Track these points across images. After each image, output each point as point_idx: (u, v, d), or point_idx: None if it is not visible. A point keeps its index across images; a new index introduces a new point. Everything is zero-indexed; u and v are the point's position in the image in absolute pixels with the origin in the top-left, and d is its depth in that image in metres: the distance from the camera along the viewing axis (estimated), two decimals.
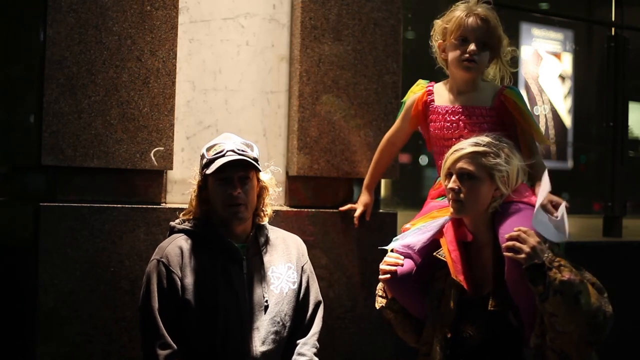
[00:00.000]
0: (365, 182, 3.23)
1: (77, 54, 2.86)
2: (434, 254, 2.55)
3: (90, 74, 2.88)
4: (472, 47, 2.64)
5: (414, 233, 2.63)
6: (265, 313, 2.62)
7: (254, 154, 2.64)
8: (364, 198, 3.25)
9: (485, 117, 2.67)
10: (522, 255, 2.28)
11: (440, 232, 2.57)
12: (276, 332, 2.62)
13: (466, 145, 2.47)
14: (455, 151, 2.49)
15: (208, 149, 2.63)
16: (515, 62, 2.78)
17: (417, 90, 2.85)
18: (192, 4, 3.17)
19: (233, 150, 2.60)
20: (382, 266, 2.61)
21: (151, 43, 2.99)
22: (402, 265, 2.58)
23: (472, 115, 2.68)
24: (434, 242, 2.58)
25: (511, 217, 2.43)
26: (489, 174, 2.44)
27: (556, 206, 2.44)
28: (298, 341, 2.68)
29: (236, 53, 3.27)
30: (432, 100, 2.78)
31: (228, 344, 2.56)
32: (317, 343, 2.70)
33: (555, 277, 2.24)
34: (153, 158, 2.98)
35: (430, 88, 2.81)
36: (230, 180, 2.59)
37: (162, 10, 3.01)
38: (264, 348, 2.59)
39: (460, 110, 2.70)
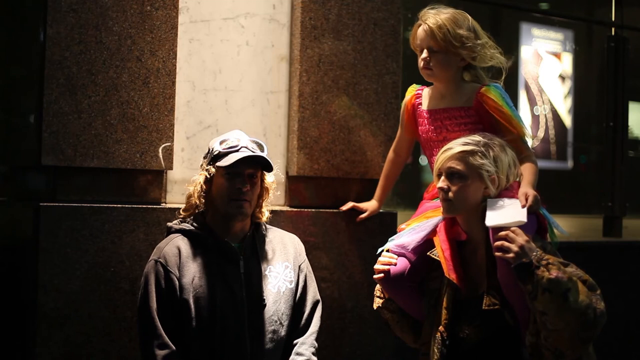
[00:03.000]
0: (376, 194, 3.26)
1: (77, 54, 2.86)
2: (428, 253, 2.56)
3: (90, 74, 2.88)
4: (423, 55, 2.72)
5: (408, 233, 2.65)
6: (263, 312, 2.62)
7: (265, 153, 2.65)
8: (372, 205, 3.28)
9: (464, 117, 2.71)
10: (511, 255, 2.30)
11: (434, 232, 2.58)
12: (274, 331, 2.63)
13: (455, 145, 2.49)
14: (444, 151, 2.50)
15: (220, 142, 2.64)
16: (493, 53, 2.73)
17: (408, 94, 2.91)
18: (192, 4, 3.17)
19: (246, 147, 2.62)
20: (376, 266, 2.64)
21: (151, 43, 2.99)
22: (395, 264, 2.60)
23: (452, 116, 2.72)
24: (429, 242, 2.59)
25: None
26: (478, 174, 2.45)
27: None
28: (296, 340, 2.69)
29: (236, 53, 3.27)
30: (420, 104, 2.83)
31: (226, 343, 2.56)
32: (315, 342, 2.70)
33: (543, 275, 2.25)
34: (160, 154, 2.98)
35: (420, 92, 2.86)
36: (240, 175, 2.60)
37: (162, 10, 3.01)
38: (262, 347, 2.60)
39: (441, 112, 2.75)
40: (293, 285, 2.72)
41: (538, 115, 5.72)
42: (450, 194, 2.46)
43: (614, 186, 4.99)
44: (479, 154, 2.45)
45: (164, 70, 3.02)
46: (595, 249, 4.52)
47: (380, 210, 3.41)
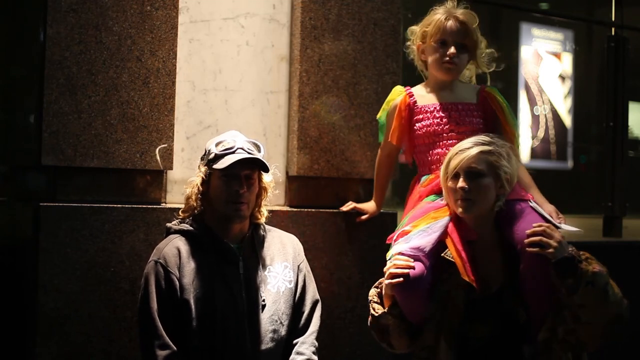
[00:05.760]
0: (374, 196, 3.25)
1: (77, 54, 2.86)
2: (442, 255, 2.53)
3: (90, 74, 2.88)
4: (452, 49, 2.74)
5: (418, 235, 2.56)
6: (262, 312, 2.62)
7: (261, 154, 2.65)
8: (372, 207, 3.26)
9: (473, 111, 2.78)
10: (551, 250, 2.34)
11: (445, 233, 2.55)
12: (274, 331, 2.63)
13: (471, 145, 2.50)
14: (460, 151, 2.50)
15: (217, 144, 2.63)
16: (492, 63, 2.87)
17: (396, 96, 2.89)
18: (192, 4, 3.17)
19: (242, 149, 2.61)
20: (393, 270, 2.50)
21: (151, 43, 2.99)
22: (413, 268, 2.49)
23: (462, 109, 2.78)
24: (439, 244, 2.57)
25: (525, 215, 2.50)
26: (496, 173, 2.48)
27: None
28: (296, 340, 2.69)
29: (236, 53, 3.27)
30: (416, 102, 2.84)
31: (227, 343, 2.56)
32: (315, 342, 2.70)
33: (587, 268, 2.33)
34: (158, 155, 2.98)
35: (411, 91, 2.87)
36: (237, 177, 2.60)
37: (162, 10, 3.01)
38: (263, 347, 2.60)
39: (449, 106, 2.79)
40: (292, 285, 2.72)
41: (538, 115, 5.73)
42: (471, 194, 2.47)
43: (614, 186, 5.00)
44: (497, 154, 2.49)
45: (164, 70, 3.02)
46: (595, 249, 4.49)
47: (380, 210, 3.41)
